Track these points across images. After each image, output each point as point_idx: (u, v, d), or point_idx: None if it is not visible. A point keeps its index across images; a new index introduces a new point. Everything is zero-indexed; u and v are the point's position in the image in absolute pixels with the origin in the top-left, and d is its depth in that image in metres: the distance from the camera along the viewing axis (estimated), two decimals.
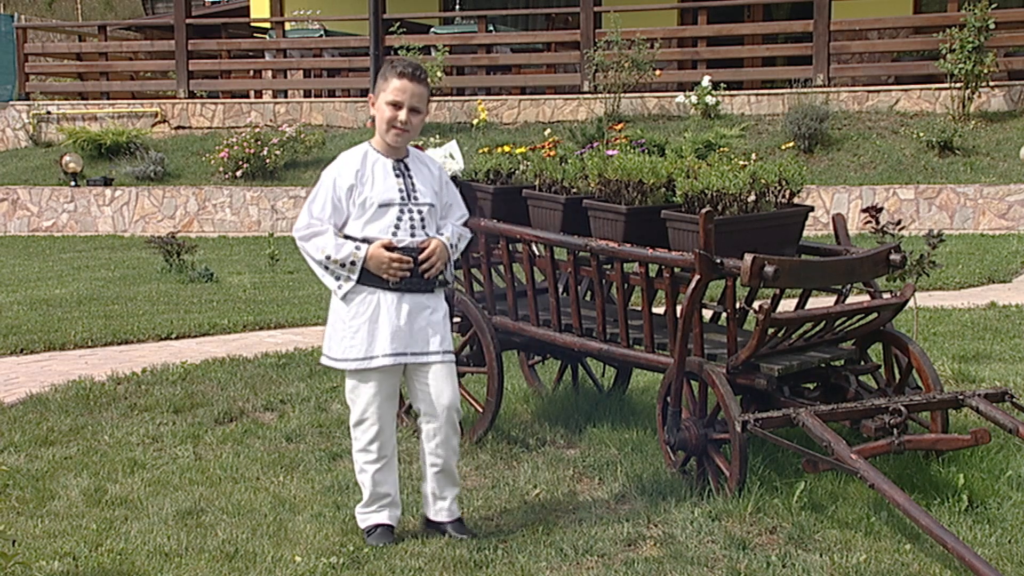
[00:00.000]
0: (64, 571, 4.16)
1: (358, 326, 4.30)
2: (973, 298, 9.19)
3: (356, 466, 4.45)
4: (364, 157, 4.37)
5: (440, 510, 4.47)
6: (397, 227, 4.32)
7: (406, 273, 4.29)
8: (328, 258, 4.27)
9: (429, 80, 4.42)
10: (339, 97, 18.08)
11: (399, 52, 16.40)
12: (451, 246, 4.43)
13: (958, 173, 13.65)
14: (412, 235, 4.33)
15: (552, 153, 5.84)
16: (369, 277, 4.28)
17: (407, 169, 4.40)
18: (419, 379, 4.40)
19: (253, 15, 21.68)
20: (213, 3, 25.32)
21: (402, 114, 4.30)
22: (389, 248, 4.27)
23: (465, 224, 4.64)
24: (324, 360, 4.44)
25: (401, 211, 4.33)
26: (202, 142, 17.38)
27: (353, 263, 4.26)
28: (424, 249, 4.33)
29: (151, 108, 18.63)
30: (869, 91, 15.63)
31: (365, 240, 4.29)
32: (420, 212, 4.36)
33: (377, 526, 4.40)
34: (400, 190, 4.34)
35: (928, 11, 17.75)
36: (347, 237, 4.32)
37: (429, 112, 4.62)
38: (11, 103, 19.14)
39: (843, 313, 4.91)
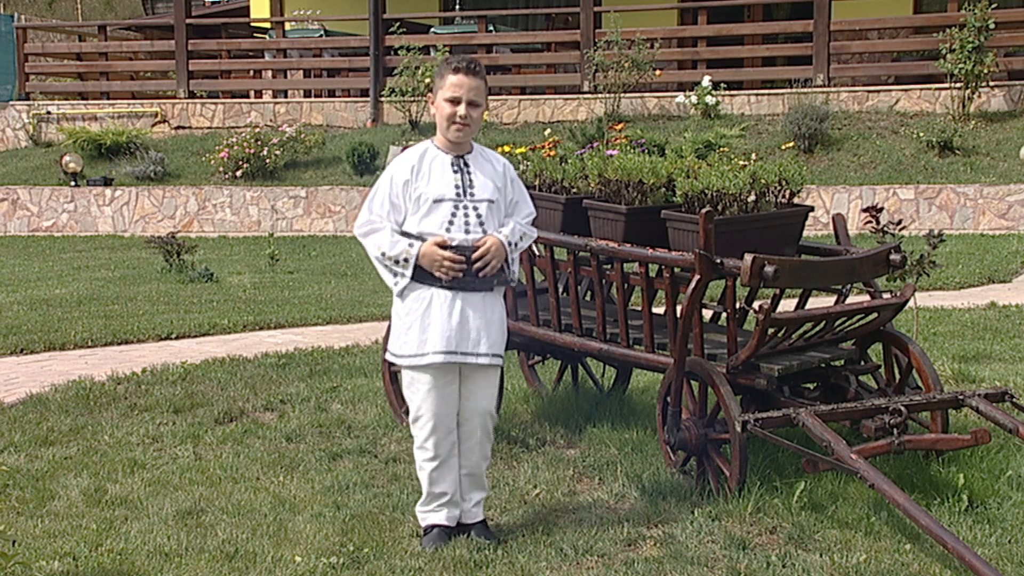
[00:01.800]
0: (64, 571, 4.16)
1: (410, 323, 4.28)
2: (973, 298, 9.19)
3: (416, 463, 4.43)
4: (423, 154, 4.36)
5: (463, 512, 4.45)
6: (451, 223, 4.27)
7: (459, 273, 4.24)
8: (383, 255, 4.26)
9: (484, 73, 4.40)
10: (339, 97, 18.08)
11: (399, 52, 16.40)
12: (511, 244, 4.34)
13: (958, 173, 13.65)
14: (466, 232, 4.27)
15: (552, 153, 5.85)
16: (423, 274, 4.25)
17: (466, 165, 4.36)
18: (463, 379, 4.36)
19: (253, 15, 21.68)
20: (213, 3, 25.32)
21: (461, 109, 4.29)
22: (443, 246, 4.23)
23: (533, 223, 4.57)
24: (387, 356, 4.45)
25: (455, 207, 4.28)
26: (202, 142, 17.38)
27: (406, 260, 4.24)
28: (478, 248, 4.28)
29: (151, 108, 18.64)
30: (869, 91, 15.63)
31: (420, 236, 4.26)
32: (476, 209, 4.31)
33: (434, 527, 4.39)
34: (456, 186, 4.30)
35: (928, 11, 17.75)
36: (404, 234, 4.29)
37: (488, 107, 4.61)
38: (11, 103, 19.14)
39: (843, 313, 4.91)
